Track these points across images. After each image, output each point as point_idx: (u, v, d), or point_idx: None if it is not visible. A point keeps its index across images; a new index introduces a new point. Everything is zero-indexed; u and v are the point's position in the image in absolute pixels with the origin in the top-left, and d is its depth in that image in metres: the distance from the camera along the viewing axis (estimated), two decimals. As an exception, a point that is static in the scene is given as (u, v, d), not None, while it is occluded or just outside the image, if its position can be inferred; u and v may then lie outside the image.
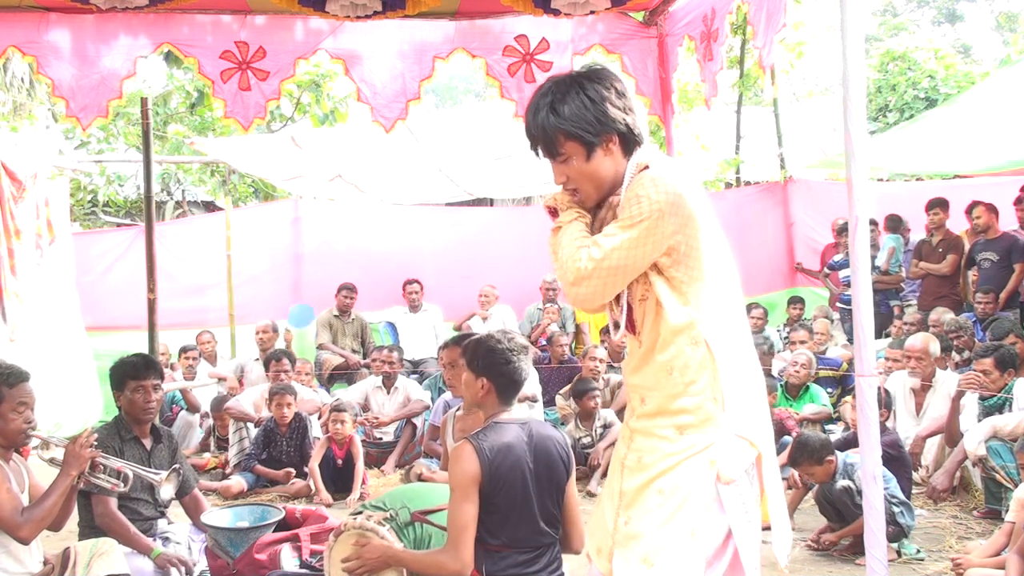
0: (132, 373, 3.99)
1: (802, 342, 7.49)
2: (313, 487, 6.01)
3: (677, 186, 2.08)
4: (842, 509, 4.50)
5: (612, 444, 5.82)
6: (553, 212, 2.25)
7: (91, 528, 3.85)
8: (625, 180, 2.14)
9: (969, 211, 8.45)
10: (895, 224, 9.21)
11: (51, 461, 3.67)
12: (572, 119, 2.11)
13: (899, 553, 4.44)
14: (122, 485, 3.68)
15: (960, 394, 5.40)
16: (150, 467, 4.10)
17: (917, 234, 9.24)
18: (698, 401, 2.11)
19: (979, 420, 5.30)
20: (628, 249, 2.06)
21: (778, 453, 5.46)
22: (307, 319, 9.00)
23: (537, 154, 2.22)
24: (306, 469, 6.15)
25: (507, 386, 2.81)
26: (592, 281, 2.09)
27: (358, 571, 2.87)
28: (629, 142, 2.16)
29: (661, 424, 2.15)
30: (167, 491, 3.90)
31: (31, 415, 3.49)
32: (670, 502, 2.10)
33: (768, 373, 6.45)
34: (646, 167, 2.14)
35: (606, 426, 6.35)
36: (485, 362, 2.83)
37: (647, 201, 2.05)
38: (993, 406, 5.34)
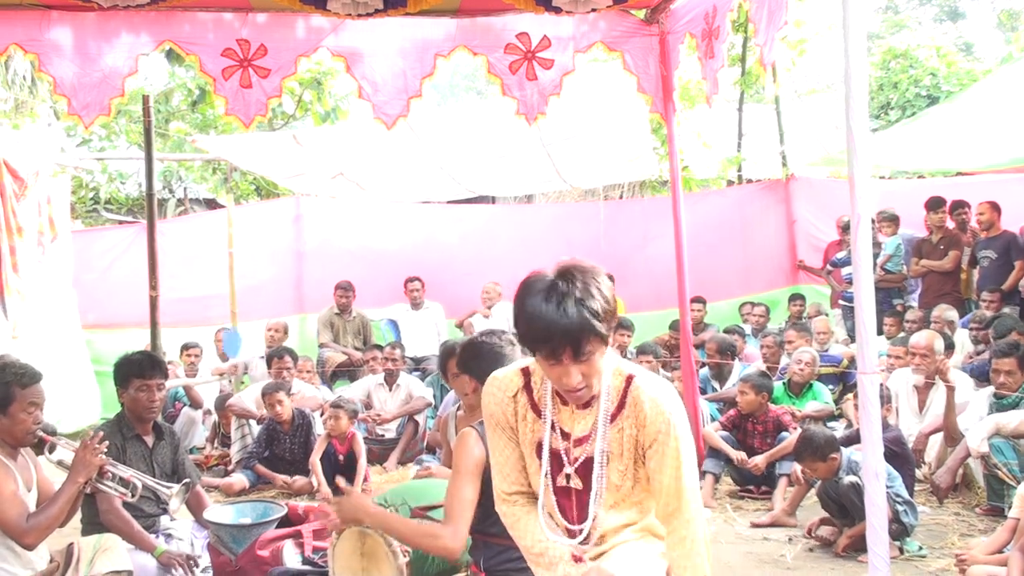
0: (137, 371, 3.98)
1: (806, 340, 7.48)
2: (315, 483, 6.02)
3: (670, 391, 2.17)
4: (848, 505, 4.50)
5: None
6: None
7: (94, 524, 3.83)
8: (606, 379, 2.14)
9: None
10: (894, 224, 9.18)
11: (59, 464, 3.60)
12: (602, 317, 2.00)
13: (901, 550, 4.44)
14: (130, 495, 3.62)
15: (952, 389, 5.40)
16: (152, 465, 4.08)
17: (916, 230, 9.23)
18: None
19: (987, 417, 5.28)
20: (695, 475, 2.19)
21: (775, 447, 5.55)
22: (236, 345, 8.74)
23: (559, 358, 2.02)
24: (308, 466, 6.15)
25: None
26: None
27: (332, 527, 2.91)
28: None
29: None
30: (175, 504, 3.82)
31: (40, 415, 3.47)
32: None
33: (765, 373, 6.44)
34: (631, 376, 2.17)
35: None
36: (467, 360, 2.86)
37: (676, 428, 2.12)
38: (1009, 405, 5.25)
